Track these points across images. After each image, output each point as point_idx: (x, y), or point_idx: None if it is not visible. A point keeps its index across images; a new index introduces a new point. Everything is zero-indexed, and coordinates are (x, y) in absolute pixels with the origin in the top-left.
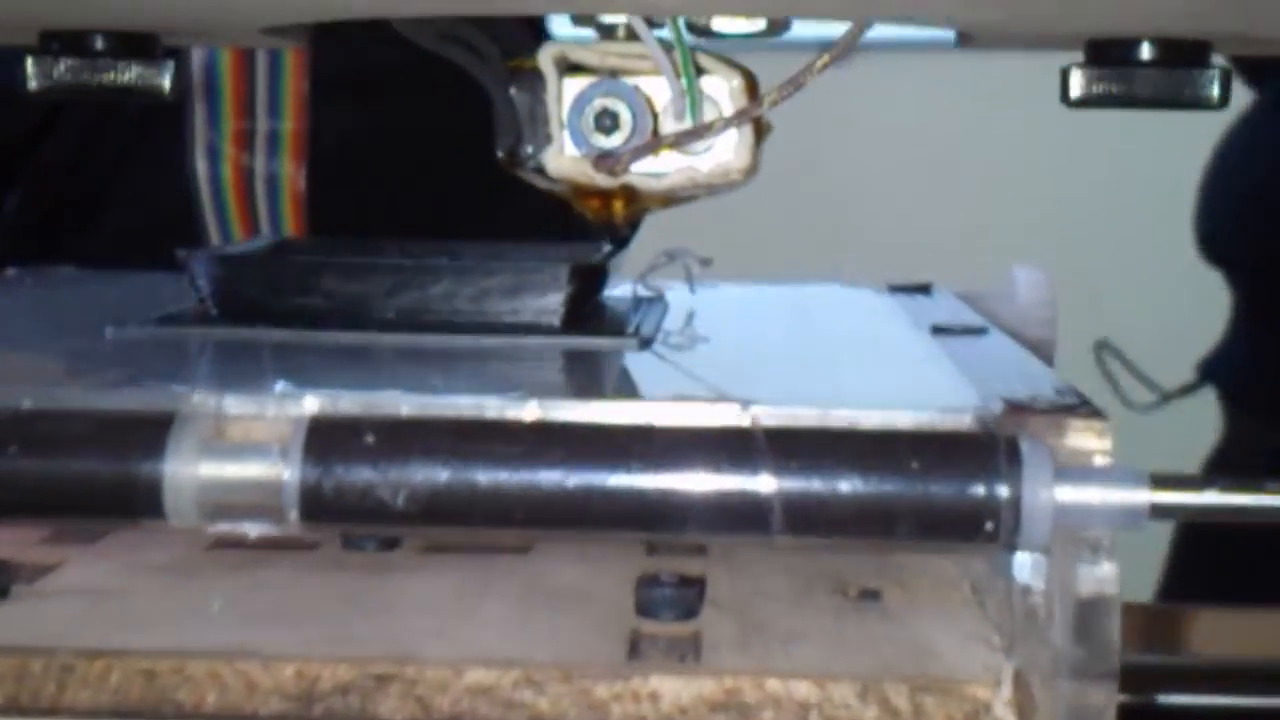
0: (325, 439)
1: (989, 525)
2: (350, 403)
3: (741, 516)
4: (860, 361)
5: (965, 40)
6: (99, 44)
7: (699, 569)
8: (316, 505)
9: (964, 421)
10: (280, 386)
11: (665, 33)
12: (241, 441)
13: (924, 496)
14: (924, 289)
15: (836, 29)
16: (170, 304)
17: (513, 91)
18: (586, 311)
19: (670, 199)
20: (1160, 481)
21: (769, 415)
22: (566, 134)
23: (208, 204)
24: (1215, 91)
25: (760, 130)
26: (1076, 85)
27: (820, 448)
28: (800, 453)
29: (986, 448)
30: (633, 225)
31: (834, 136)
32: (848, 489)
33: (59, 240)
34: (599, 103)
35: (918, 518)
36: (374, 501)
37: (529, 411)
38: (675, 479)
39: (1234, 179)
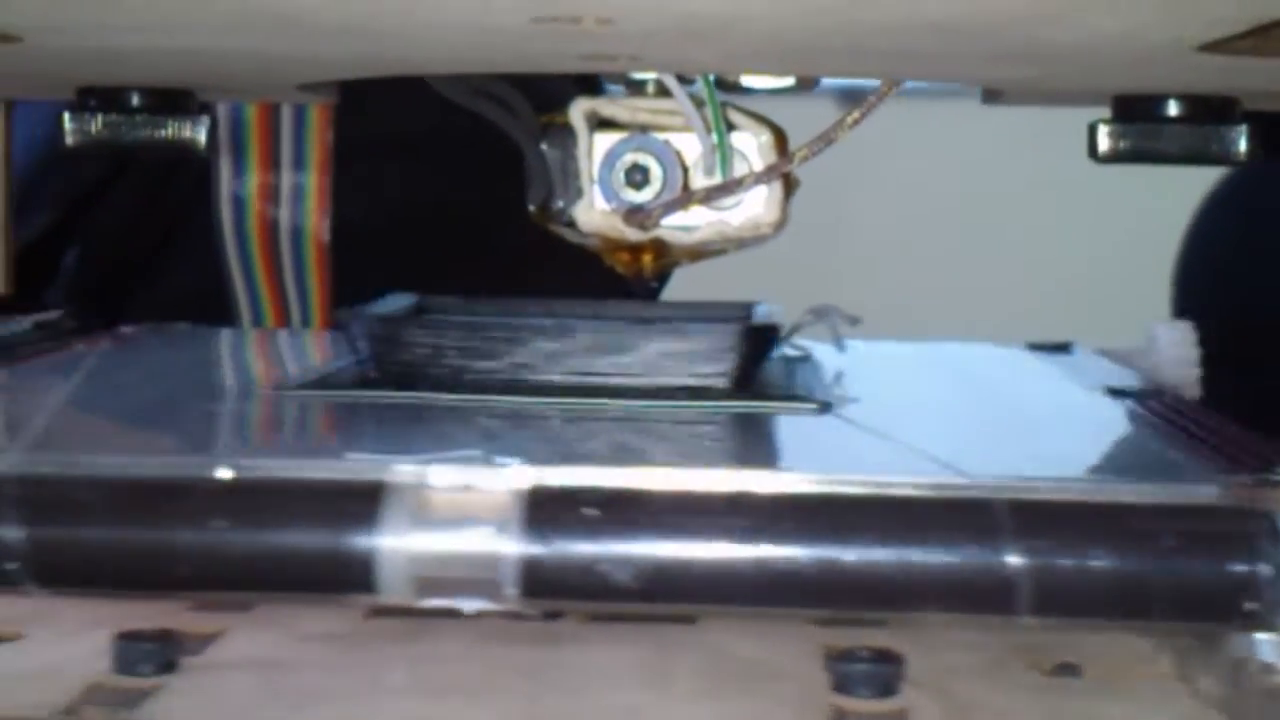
0: (545, 512)
1: (1249, 605)
2: (567, 474)
3: (984, 595)
4: (1057, 427)
5: (992, 96)
6: (135, 100)
7: (881, 641)
8: (538, 581)
9: (1210, 494)
10: (491, 456)
11: (695, 87)
12: (455, 514)
13: (1180, 575)
14: (1064, 347)
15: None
16: (298, 362)
17: (544, 146)
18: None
19: (700, 253)
20: None
21: (1005, 486)
22: (597, 188)
23: (233, 255)
24: (1242, 147)
25: (789, 185)
26: (1104, 141)
27: (1067, 522)
28: (1047, 528)
29: (1242, 523)
30: (661, 279)
31: (859, 182)
32: (1100, 567)
33: (115, 300)
34: (629, 158)
35: (1173, 598)
36: (598, 577)
37: (755, 483)
38: (913, 554)
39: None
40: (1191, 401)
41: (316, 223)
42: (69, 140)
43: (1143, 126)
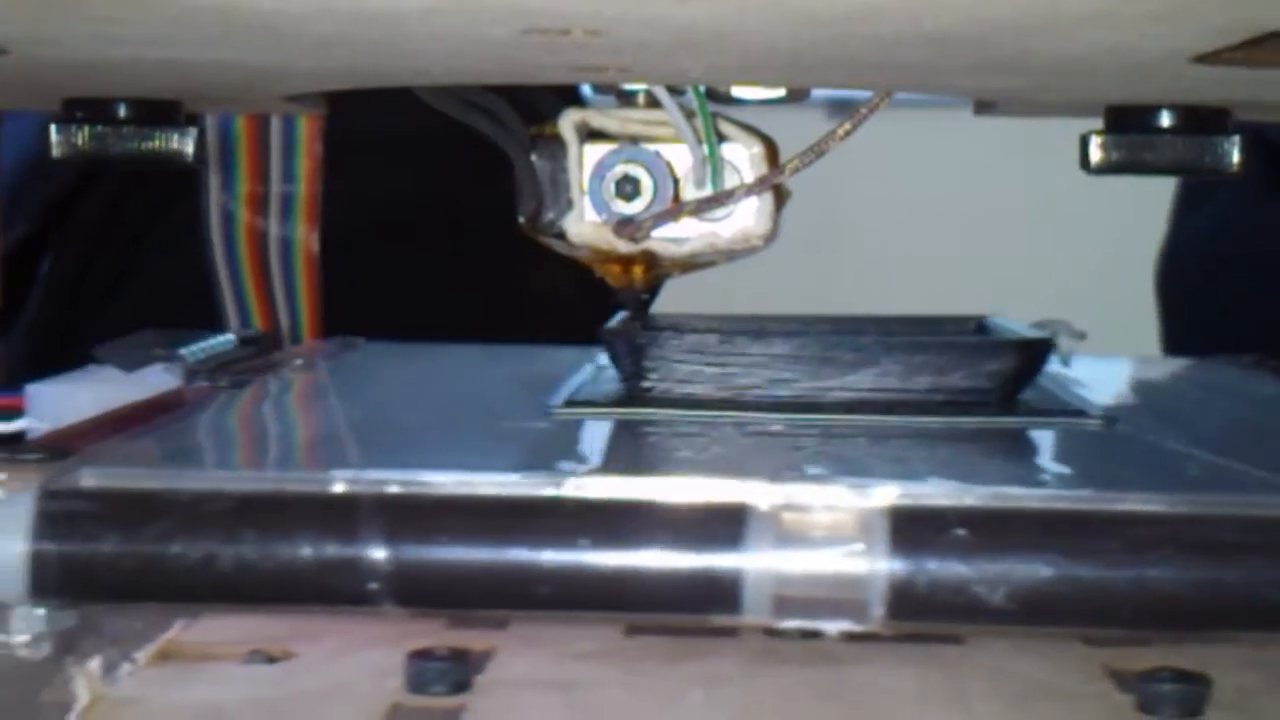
0: (913, 531)
1: None
2: (927, 492)
3: None
4: None
5: (984, 108)
6: (122, 111)
7: (1151, 661)
8: (907, 602)
9: None
10: (844, 475)
11: (685, 98)
12: (820, 534)
13: None
14: (1254, 360)
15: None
16: (532, 381)
17: (534, 158)
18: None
19: (690, 264)
20: None
21: None
22: (587, 200)
23: (222, 267)
24: (1234, 158)
25: (781, 196)
26: (1096, 152)
27: None
28: None
29: None
30: (651, 290)
31: (854, 191)
32: None
33: (84, 308)
34: (620, 169)
35: None
36: (969, 598)
37: (1124, 502)
38: None
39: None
40: None
41: (306, 233)
42: (55, 152)
43: (1135, 137)
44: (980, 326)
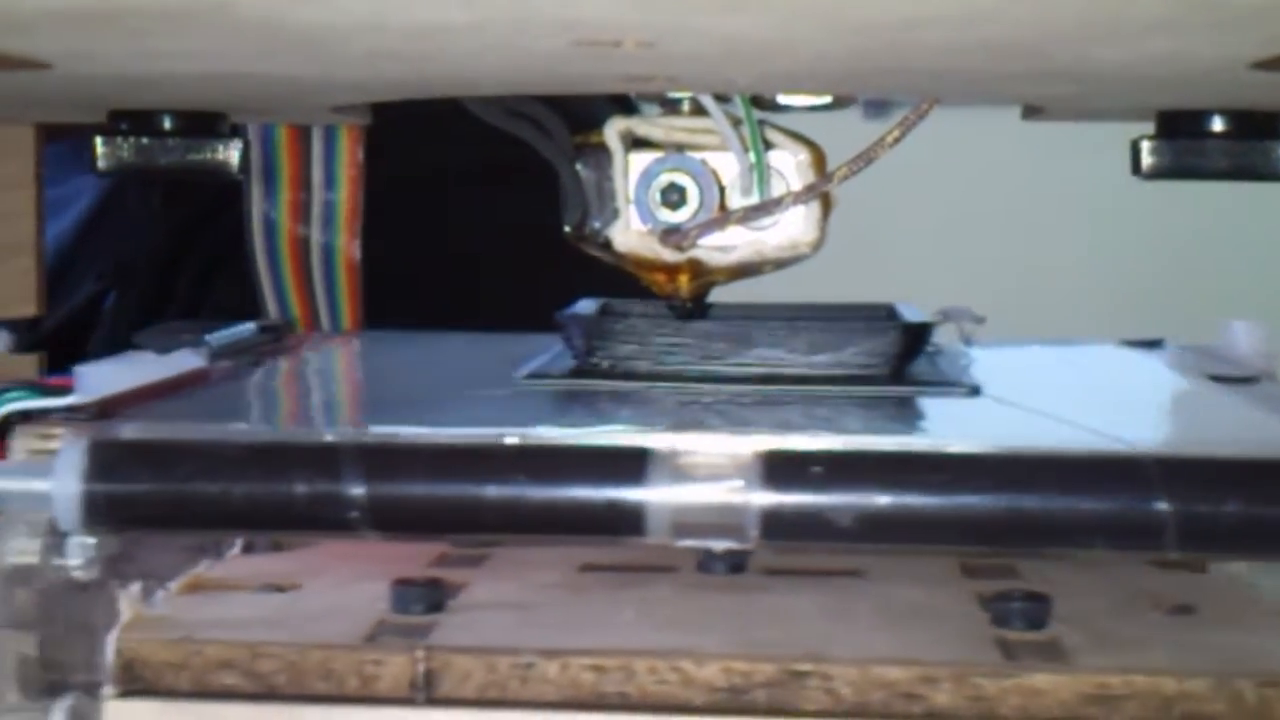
0: (780, 470)
1: None
2: (794, 440)
3: (1137, 534)
4: (1177, 404)
5: (1033, 113)
6: (167, 123)
7: (1025, 588)
8: (775, 525)
9: None
10: (726, 427)
11: (731, 105)
12: (708, 472)
13: None
14: (1156, 343)
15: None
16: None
17: (579, 167)
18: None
19: (737, 273)
20: None
21: (1156, 450)
22: (633, 209)
23: (264, 274)
24: None
25: (828, 203)
26: (1147, 157)
27: (1208, 475)
28: (1192, 479)
29: None
30: (698, 300)
31: (897, 189)
32: (1234, 510)
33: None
34: (666, 177)
35: None
36: (824, 522)
37: (950, 446)
38: (1080, 502)
39: None
40: None
41: (347, 242)
42: (100, 165)
43: (1187, 143)
44: (888, 313)
